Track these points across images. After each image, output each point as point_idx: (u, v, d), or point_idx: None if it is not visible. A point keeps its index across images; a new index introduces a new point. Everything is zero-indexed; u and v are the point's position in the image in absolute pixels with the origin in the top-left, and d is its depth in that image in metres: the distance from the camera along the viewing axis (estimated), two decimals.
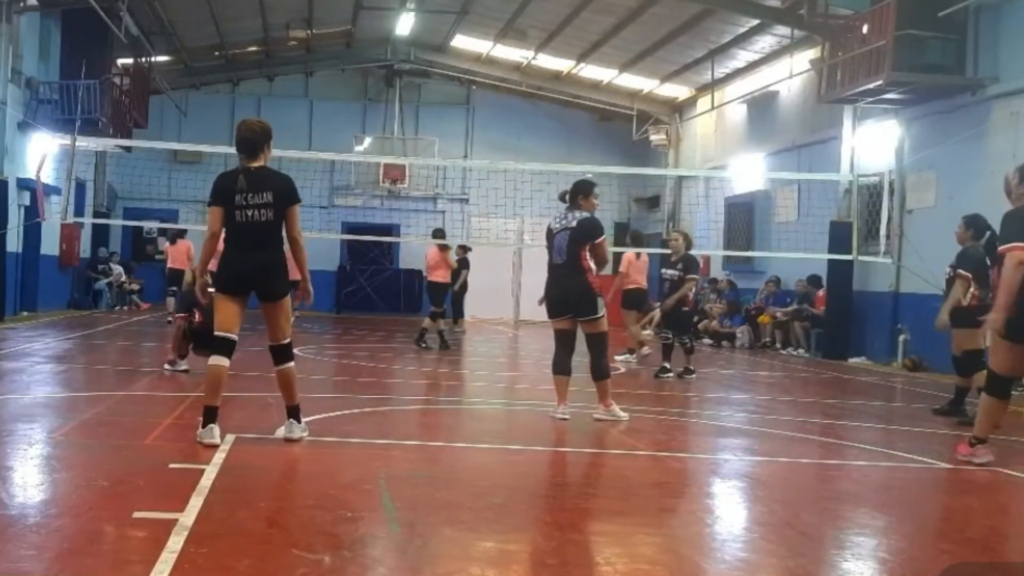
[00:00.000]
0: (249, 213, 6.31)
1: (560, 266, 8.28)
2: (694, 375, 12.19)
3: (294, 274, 6.56)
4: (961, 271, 8.98)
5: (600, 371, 8.25)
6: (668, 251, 13.08)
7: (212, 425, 6.26)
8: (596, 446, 7.44)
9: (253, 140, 6.47)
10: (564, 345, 8.28)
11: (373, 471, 5.84)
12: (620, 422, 8.13)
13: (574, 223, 8.21)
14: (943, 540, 5.09)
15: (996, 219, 10.55)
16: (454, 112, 27.60)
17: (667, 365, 12.17)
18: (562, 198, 8.53)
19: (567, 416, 8.10)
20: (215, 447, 6.07)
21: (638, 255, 14.23)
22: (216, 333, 6.46)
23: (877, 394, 12.14)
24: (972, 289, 8.89)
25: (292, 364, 6.56)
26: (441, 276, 15.57)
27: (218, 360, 6.34)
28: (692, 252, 12.64)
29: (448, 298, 16.50)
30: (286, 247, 6.53)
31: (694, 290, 12.61)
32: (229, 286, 6.40)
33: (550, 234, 8.41)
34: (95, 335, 15.65)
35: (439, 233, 16.62)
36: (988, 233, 9.07)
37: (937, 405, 10.00)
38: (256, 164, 6.44)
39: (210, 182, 6.58)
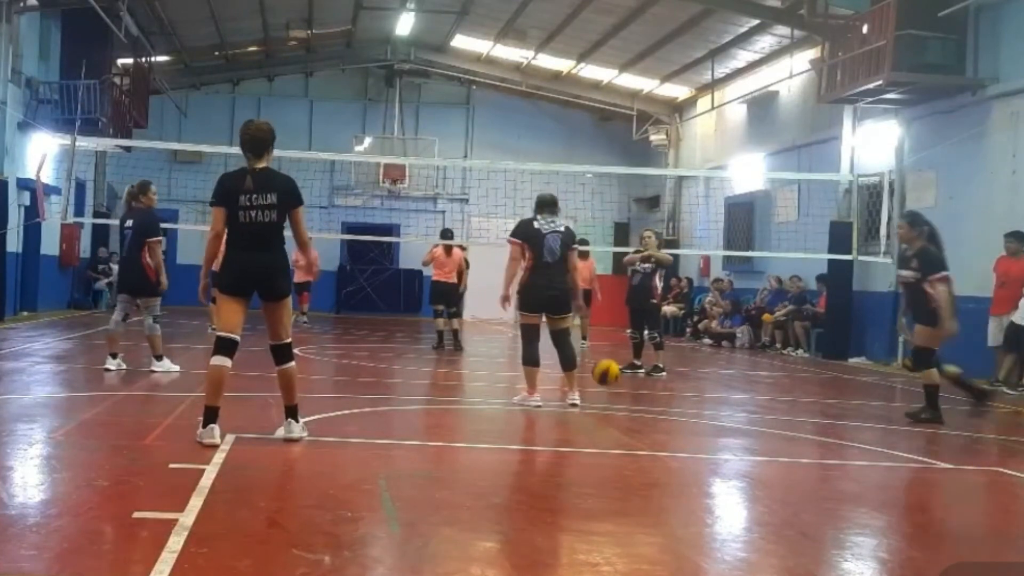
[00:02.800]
0: (253, 214, 6.32)
1: (552, 265, 8.94)
2: (664, 373, 12.28)
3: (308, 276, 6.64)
4: (941, 275, 8.86)
5: (574, 362, 9.12)
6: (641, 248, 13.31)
7: (212, 425, 6.26)
8: (596, 446, 7.45)
9: (262, 140, 6.49)
10: (537, 339, 9.02)
11: (373, 471, 5.85)
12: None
13: (563, 228, 9.04)
14: (943, 540, 5.09)
15: (996, 219, 10.55)
16: (454, 112, 27.57)
17: (636, 362, 12.58)
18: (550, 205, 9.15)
19: (541, 403, 8.78)
20: (215, 447, 6.07)
21: (585, 258, 15.77)
22: (219, 333, 6.47)
23: (877, 394, 12.14)
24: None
25: (293, 364, 6.57)
26: (449, 276, 15.61)
27: (220, 360, 6.35)
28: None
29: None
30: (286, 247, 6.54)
31: (661, 284, 12.86)
32: (232, 286, 6.40)
33: (538, 234, 8.91)
34: (95, 335, 15.62)
35: (447, 233, 16.63)
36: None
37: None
38: (261, 165, 6.46)
39: (210, 182, 6.59)
